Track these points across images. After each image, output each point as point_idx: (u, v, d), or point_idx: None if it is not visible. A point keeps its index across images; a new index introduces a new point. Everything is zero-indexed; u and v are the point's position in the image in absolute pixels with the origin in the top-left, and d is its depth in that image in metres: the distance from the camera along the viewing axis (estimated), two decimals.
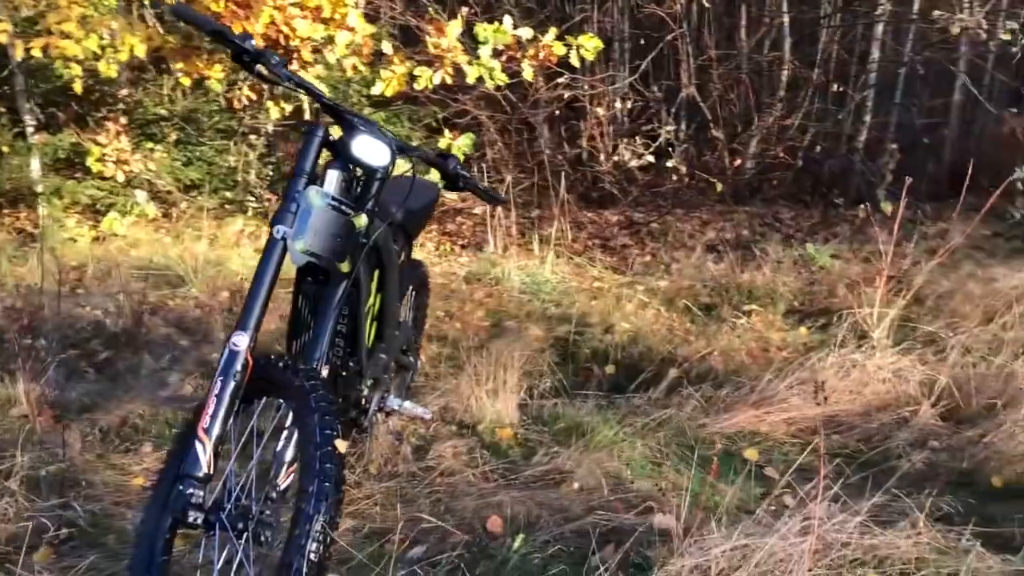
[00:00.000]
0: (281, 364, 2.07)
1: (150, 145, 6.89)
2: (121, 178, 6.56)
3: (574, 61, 5.70)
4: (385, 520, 2.58)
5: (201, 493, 1.98)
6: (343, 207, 2.21)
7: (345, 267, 2.24)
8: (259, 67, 2.17)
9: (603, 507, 2.59)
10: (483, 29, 5.52)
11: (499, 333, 4.60)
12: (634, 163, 6.16)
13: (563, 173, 6.06)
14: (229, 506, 1.98)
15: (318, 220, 2.15)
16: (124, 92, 7.06)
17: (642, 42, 6.80)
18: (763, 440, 3.20)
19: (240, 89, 5.93)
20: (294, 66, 5.62)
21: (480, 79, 5.63)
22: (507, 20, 5.57)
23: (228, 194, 7.20)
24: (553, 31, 5.61)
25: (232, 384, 2.02)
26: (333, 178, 2.22)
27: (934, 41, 6.78)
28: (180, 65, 5.64)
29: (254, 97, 6.06)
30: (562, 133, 7.30)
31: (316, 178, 2.19)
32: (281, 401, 2.12)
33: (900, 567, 2.17)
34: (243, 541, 1.95)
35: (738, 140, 6.74)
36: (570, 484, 2.76)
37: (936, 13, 5.86)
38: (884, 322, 3.43)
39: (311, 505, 1.79)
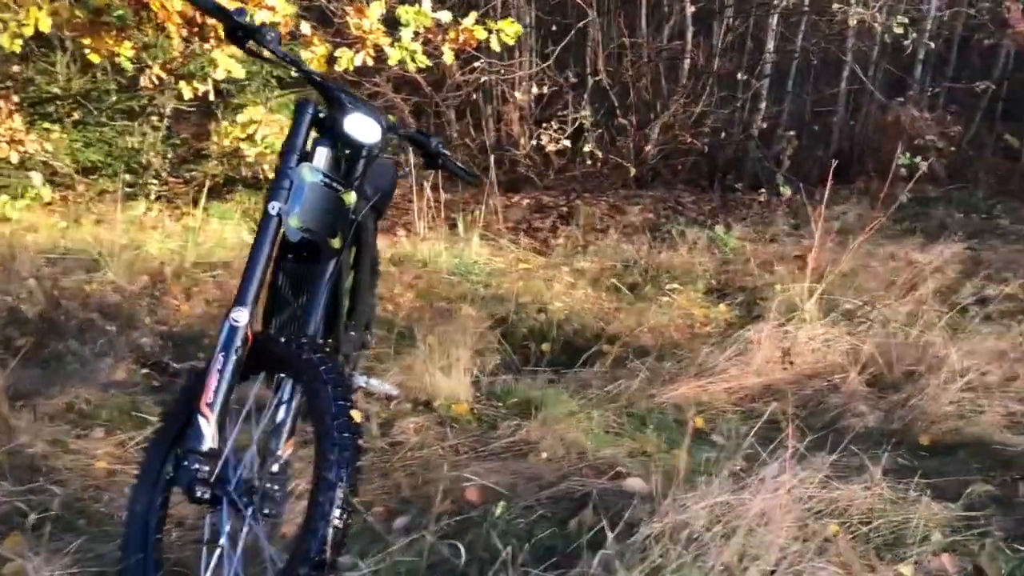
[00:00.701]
0: (283, 339, 2.08)
1: (46, 125, 6.60)
2: (15, 159, 6.26)
3: (494, 46, 5.79)
4: (364, 494, 2.61)
5: (207, 468, 1.98)
6: (334, 184, 2.23)
7: (336, 243, 2.27)
8: (251, 44, 2.18)
9: (574, 474, 2.70)
10: (405, 11, 5.53)
11: (434, 314, 4.68)
12: (551, 148, 6.29)
13: (492, 157, 6.14)
14: (235, 480, 2.00)
15: (311, 196, 2.18)
16: (16, 68, 6.73)
17: (553, 28, 6.93)
18: (707, 408, 3.37)
19: (151, 68, 5.75)
20: (211, 44, 5.54)
21: (402, 61, 5.65)
22: (426, 2, 5.60)
23: (128, 176, 6.97)
24: (473, 15, 5.67)
25: (233, 359, 2.03)
26: (322, 155, 2.24)
27: (829, 33, 7.15)
28: (88, 41, 5.43)
29: (164, 77, 5.90)
30: (468, 117, 7.38)
31: (307, 155, 2.22)
32: (281, 375, 2.14)
33: (858, 517, 2.35)
34: (250, 514, 1.97)
35: (646, 127, 6.96)
36: (537, 454, 2.85)
37: (835, 6, 6.20)
38: (814, 296, 3.65)
39: (333, 473, 1.82)
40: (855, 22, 6.12)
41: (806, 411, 3.34)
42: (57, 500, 2.46)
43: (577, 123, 6.41)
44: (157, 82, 5.90)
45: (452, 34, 5.70)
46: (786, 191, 6.99)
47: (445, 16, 5.55)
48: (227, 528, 1.98)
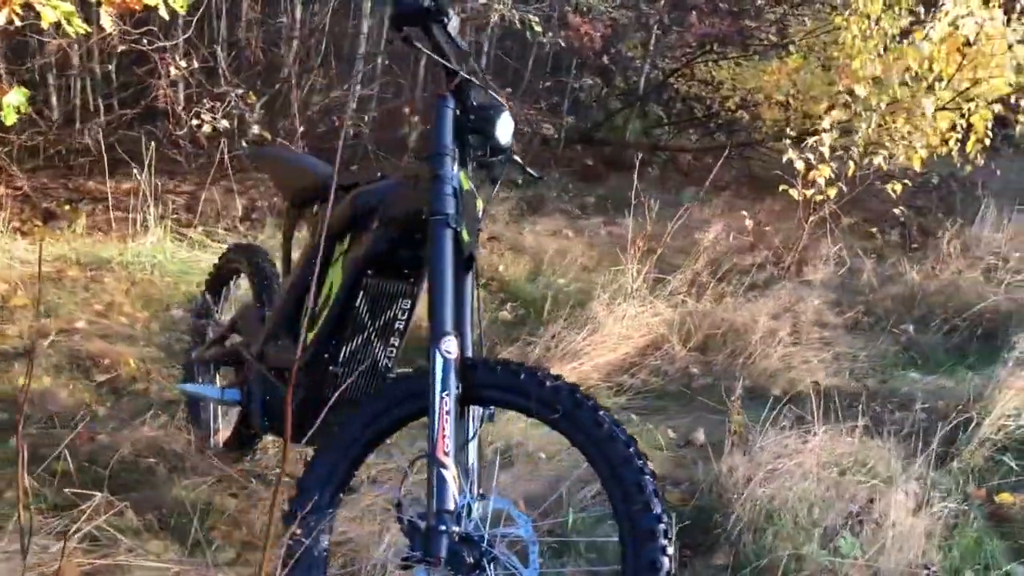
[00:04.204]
0: (512, 368, 1.82)
1: None
2: None
3: (163, 13, 5.11)
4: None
5: (459, 528, 1.71)
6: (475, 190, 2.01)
7: (475, 256, 2.03)
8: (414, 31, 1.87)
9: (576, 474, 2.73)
10: None
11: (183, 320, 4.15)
12: (207, 128, 5.69)
13: (142, 140, 5.37)
14: (486, 536, 1.74)
15: (469, 205, 1.94)
16: None
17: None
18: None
19: None
20: None
21: (58, 24, 4.72)
22: None
23: None
24: None
25: (455, 395, 1.76)
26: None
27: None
28: None
29: None
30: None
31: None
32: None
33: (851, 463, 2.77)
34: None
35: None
36: (532, 459, 2.80)
37: (480, 2, 6.56)
38: (641, 275, 4.01)
39: (660, 527, 1.68)
40: (496, 18, 6.57)
41: (660, 379, 3.70)
42: None
43: (229, 103, 5.88)
44: None
45: None
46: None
47: None
48: None
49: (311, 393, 2.20)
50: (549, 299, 4.39)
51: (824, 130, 5.01)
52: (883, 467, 2.79)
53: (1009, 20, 6.27)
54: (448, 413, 1.73)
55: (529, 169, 2.37)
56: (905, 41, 6.55)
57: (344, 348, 2.13)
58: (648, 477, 1.72)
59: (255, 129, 5.76)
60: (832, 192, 4.94)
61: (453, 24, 1.90)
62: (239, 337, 2.65)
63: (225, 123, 5.82)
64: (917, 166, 5.46)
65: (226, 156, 5.12)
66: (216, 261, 3.06)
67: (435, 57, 1.92)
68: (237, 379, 2.51)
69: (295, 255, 2.57)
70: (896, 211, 5.64)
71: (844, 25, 6.95)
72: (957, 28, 6.01)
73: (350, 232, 2.16)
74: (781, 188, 5.01)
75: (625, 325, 3.83)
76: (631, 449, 1.74)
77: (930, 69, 6.22)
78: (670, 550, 1.68)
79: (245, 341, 2.51)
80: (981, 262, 4.88)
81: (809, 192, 4.91)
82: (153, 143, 5.33)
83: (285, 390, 2.27)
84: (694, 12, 8.99)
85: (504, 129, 2.00)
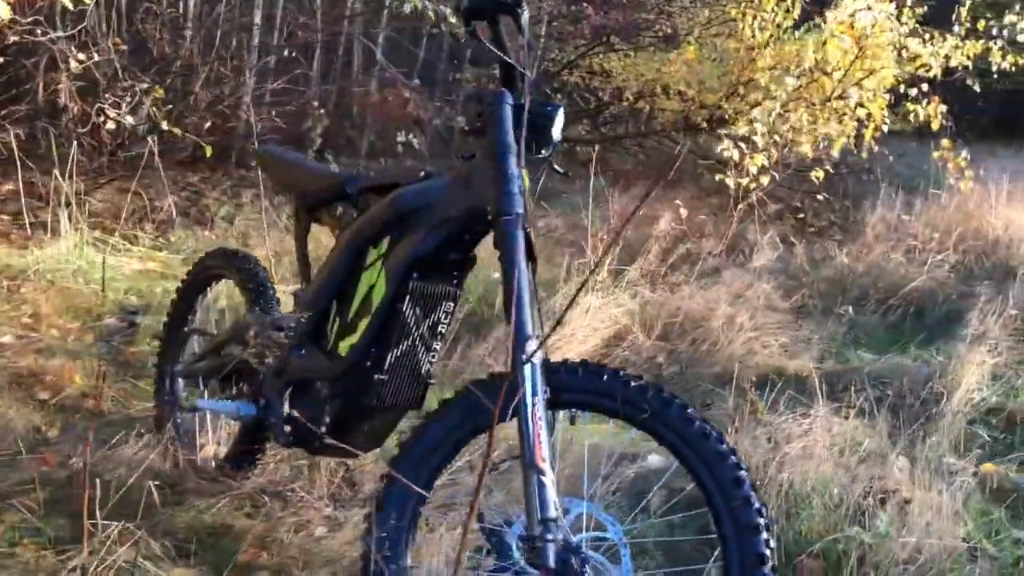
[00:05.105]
0: (593, 370, 1.78)
1: None
2: None
3: (67, 2, 4.78)
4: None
5: (561, 537, 1.66)
6: None
7: None
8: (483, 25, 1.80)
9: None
10: None
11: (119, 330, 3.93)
12: (111, 125, 5.33)
13: (74, 137, 5.00)
14: (583, 542, 1.70)
15: (526, 205, 1.89)
16: None
17: None
18: None
19: None
20: None
21: None
22: None
23: None
24: None
25: (544, 399, 1.72)
26: None
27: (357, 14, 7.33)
28: None
29: None
30: None
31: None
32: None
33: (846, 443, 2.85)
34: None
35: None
36: None
37: None
38: (604, 267, 3.99)
39: (756, 499, 1.68)
40: (408, 9, 6.44)
41: (631, 370, 3.69)
42: None
43: (136, 97, 5.53)
44: None
45: None
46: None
47: None
48: None
49: (350, 402, 2.10)
50: (500, 294, 4.34)
51: (755, 119, 5.15)
52: (874, 445, 2.90)
53: (900, 14, 6.61)
54: (540, 418, 1.68)
55: (556, 166, 2.31)
56: (798, 33, 6.83)
57: (388, 354, 2.03)
58: (744, 472, 1.71)
59: (163, 125, 5.45)
60: (765, 180, 5.10)
61: (524, 17, 1.83)
62: (237, 347, 2.49)
63: (131, 119, 5.49)
64: (836, 152, 5.70)
65: (155, 155, 4.84)
66: (191, 267, 2.89)
67: (498, 53, 1.85)
68: (248, 392, 2.37)
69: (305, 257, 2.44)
70: (819, 197, 5.87)
71: (740, 17, 7.16)
72: (855, 22, 6.28)
73: (390, 234, 2.06)
74: (718, 177, 5.13)
75: (591, 317, 3.83)
76: (724, 445, 1.72)
77: (826, 60, 6.48)
78: (772, 543, 1.68)
79: (257, 352, 2.36)
80: (901, 244, 5.12)
81: (744, 180, 5.05)
82: (54, 141, 4.98)
83: (311, 401, 2.19)
84: (586, 4, 9.08)
85: (558, 127, 1.95)
